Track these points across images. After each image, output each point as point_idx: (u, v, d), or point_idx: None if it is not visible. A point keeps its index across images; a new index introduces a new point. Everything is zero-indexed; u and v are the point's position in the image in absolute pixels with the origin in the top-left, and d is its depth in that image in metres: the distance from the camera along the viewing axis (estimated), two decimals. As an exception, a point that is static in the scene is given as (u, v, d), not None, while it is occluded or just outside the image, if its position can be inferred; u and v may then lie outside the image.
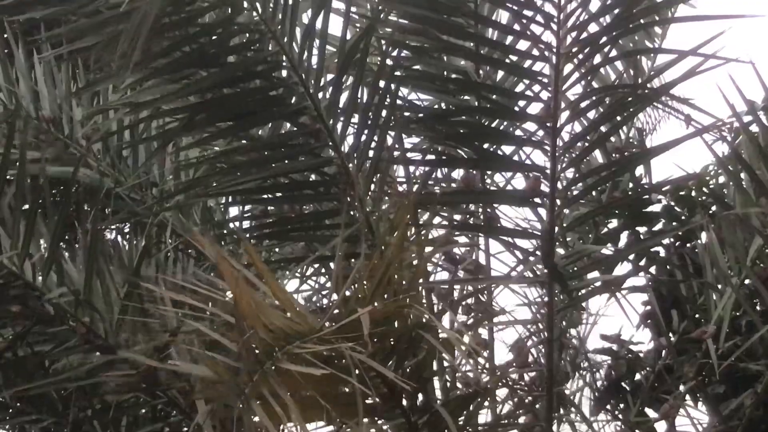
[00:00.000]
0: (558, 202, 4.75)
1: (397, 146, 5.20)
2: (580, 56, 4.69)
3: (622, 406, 5.78)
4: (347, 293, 3.91)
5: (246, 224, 5.66)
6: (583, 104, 4.86)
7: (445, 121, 5.16)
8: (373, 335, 3.52)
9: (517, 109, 4.93)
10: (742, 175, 5.13)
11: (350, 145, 4.98)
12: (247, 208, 5.63)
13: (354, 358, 3.41)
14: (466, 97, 5.24)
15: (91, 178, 5.44)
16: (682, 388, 5.50)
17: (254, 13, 4.77)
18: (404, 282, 3.93)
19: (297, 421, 3.41)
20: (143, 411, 5.20)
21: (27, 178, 4.71)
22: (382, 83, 4.92)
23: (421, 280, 4.29)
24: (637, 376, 5.74)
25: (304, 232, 5.36)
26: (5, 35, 5.73)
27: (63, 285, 4.65)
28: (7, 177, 4.68)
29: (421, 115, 5.26)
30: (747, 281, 5.15)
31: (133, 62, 4.38)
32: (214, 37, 4.93)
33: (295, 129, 5.11)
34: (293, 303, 3.74)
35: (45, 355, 4.91)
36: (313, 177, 5.22)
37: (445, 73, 5.33)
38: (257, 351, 3.42)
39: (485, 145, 5.02)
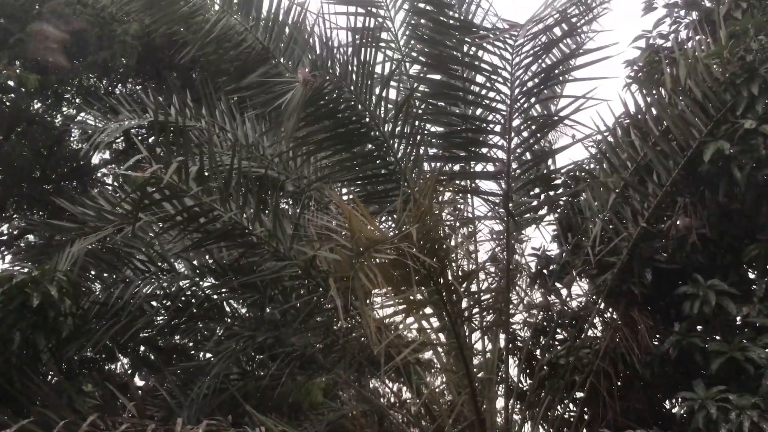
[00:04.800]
0: (511, 180, 4.95)
1: (425, 154, 5.27)
2: (523, 107, 4.80)
3: None
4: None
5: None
6: (524, 131, 4.99)
7: (447, 139, 5.21)
8: (419, 239, 3.75)
9: (490, 127, 4.98)
10: None
11: (401, 154, 5.11)
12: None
13: (407, 251, 3.62)
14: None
15: (274, 175, 5.56)
16: None
17: (348, 93, 4.85)
18: (432, 218, 4.09)
19: (382, 283, 3.55)
20: (302, 292, 5.25)
21: (242, 175, 4.79)
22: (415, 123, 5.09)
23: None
24: None
25: (380, 198, 5.37)
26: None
27: (262, 226, 4.75)
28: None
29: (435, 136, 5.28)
30: None
31: (292, 125, 4.52)
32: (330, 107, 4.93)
33: (374, 147, 5.19)
34: (376, 224, 3.94)
35: (254, 263, 5.03)
36: (383, 171, 5.29)
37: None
38: (360, 247, 3.59)
39: (470, 150, 5.13)
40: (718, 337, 4.85)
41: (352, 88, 4.84)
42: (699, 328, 4.98)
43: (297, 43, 5.34)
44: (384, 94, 5.05)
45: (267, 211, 4.92)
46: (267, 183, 5.21)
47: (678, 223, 4.83)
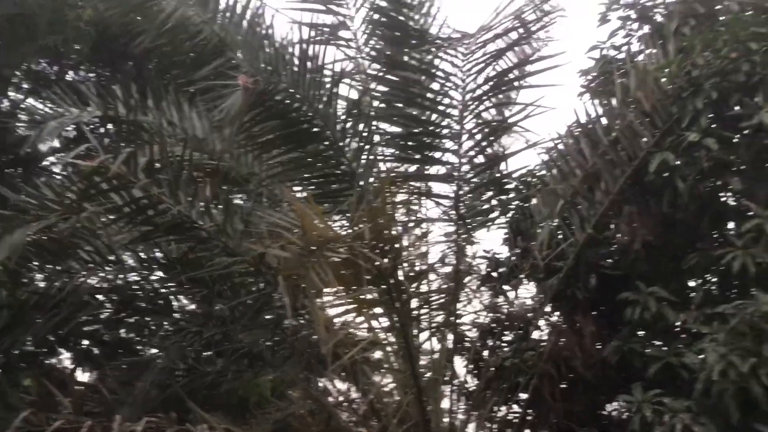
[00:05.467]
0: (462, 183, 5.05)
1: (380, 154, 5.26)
2: (474, 112, 4.85)
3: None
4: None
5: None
6: (476, 136, 4.99)
7: (402, 140, 5.25)
8: (371, 239, 3.75)
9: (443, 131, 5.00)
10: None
11: (355, 154, 5.08)
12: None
13: (360, 250, 3.61)
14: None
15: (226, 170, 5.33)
16: None
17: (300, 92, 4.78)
18: (384, 219, 4.05)
19: (332, 282, 3.49)
20: (252, 288, 5.18)
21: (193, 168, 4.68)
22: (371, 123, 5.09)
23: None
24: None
25: (332, 197, 5.27)
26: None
27: (212, 221, 4.67)
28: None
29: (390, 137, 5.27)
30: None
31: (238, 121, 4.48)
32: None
33: (326, 146, 5.12)
34: (328, 222, 3.88)
35: (204, 258, 4.93)
36: (336, 170, 5.22)
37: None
38: (311, 246, 3.52)
39: (424, 153, 5.15)
40: (657, 343, 4.96)
41: (305, 87, 4.80)
42: (640, 333, 5.06)
43: (254, 37, 5.25)
44: (338, 93, 5.02)
45: (218, 206, 4.81)
46: (218, 177, 5.08)
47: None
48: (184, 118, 5.50)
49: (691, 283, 5.20)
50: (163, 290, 5.40)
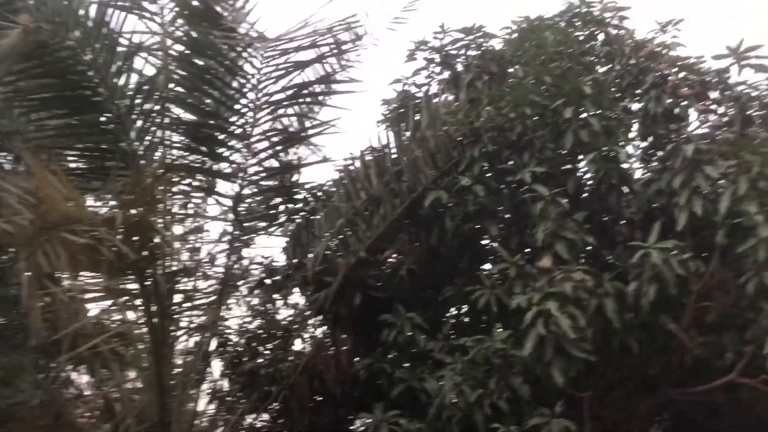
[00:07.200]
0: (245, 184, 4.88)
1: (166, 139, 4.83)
2: (268, 116, 4.73)
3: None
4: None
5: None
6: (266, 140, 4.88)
7: (192, 129, 4.92)
8: (127, 227, 3.46)
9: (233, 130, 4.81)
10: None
11: (136, 132, 4.67)
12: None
13: (107, 236, 3.30)
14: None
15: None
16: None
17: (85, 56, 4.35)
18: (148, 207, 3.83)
19: (65, 266, 3.19)
20: None
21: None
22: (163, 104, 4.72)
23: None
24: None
25: (106, 174, 4.66)
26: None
27: None
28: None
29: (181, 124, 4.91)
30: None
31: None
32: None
33: (108, 119, 4.67)
34: (79, 198, 3.46)
35: None
36: (114, 146, 4.70)
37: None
38: (49, 222, 3.16)
39: (212, 147, 4.89)
40: (406, 365, 5.17)
41: (95, 50, 4.39)
42: (394, 355, 5.22)
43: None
44: (132, 65, 4.64)
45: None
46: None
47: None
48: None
49: (448, 314, 5.51)
50: None
